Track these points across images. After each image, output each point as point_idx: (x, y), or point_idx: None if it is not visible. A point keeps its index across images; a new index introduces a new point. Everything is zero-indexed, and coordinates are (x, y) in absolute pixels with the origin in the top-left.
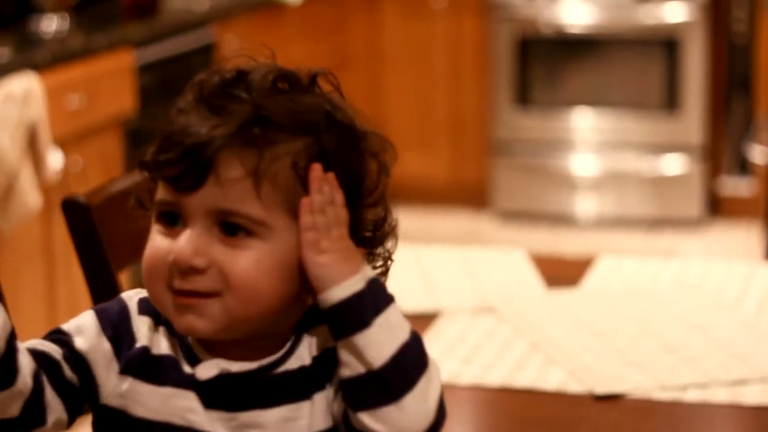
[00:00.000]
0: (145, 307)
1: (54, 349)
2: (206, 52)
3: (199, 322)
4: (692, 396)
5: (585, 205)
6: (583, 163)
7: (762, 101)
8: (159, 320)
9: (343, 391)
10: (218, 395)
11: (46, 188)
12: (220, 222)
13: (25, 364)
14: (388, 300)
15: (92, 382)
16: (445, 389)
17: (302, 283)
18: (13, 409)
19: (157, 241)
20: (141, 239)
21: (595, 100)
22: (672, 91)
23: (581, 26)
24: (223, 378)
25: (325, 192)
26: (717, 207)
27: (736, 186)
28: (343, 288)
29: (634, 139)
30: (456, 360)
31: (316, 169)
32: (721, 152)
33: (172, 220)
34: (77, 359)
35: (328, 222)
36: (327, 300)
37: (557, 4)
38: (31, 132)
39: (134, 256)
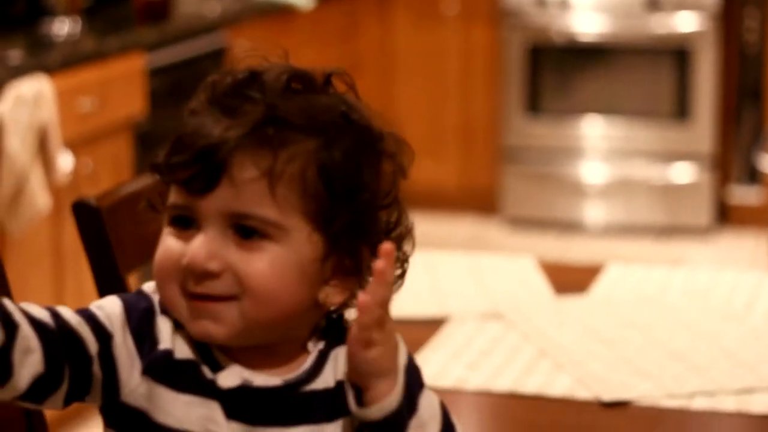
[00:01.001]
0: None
1: (87, 336)
2: (217, 57)
3: (215, 327)
4: (699, 404)
5: (594, 213)
6: (592, 170)
7: None
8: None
9: None
10: (240, 407)
11: (55, 190)
12: (234, 225)
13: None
14: (420, 387)
15: (114, 377)
16: (452, 395)
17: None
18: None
19: (170, 243)
20: (151, 242)
21: (605, 109)
22: (682, 99)
23: (592, 35)
24: (246, 390)
25: (388, 283)
26: (726, 215)
27: (745, 195)
28: (382, 408)
29: (643, 147)
30: (463, 365)
31: (381, 262)
32: (731, 161)
33: (185, 224)
34: (105, 352)
35: (383, 316)
36: (365, 417)
37: (569, 12)
38: (41, 134)
39: (143, 259)
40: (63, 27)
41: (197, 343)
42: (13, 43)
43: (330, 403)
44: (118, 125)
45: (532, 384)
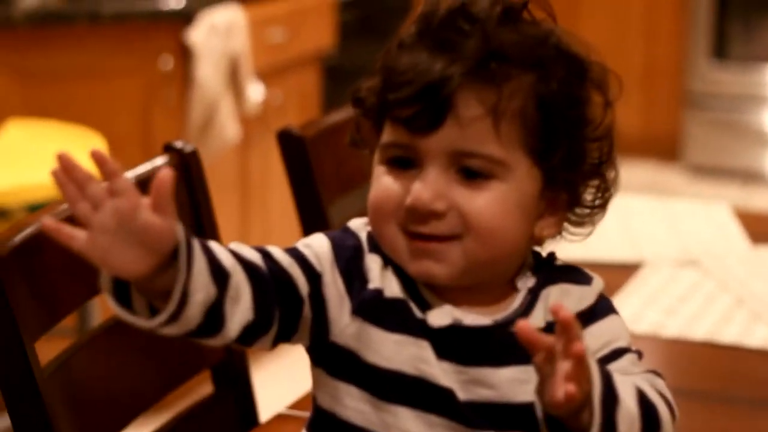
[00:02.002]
0: (374, 244)
1: (298, 277)
2: None
3: (438, 267)
4: None
5: None
6: None
7: None
8: (387, 259)
9: None
10: (450, 346)
11: (245, 120)
12: (457, 163)
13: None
14: (616, 404)
15: (324, 317)
16: (648, 341)
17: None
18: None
19: (387, 183)
20: (350, 175)
21: None
22: None
23: None
24: (456, 329)
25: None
26: None
27: None
28: None
29: None
30: (660, 311)
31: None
32: None
33: (404, 164)
34: (315, 292)
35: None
36: None
37: None
38: (233, 64)
39: (342, 191)
40: None
41: (406, 282)
42: None
43: None
44: (307, 57)
45: (730, 333)
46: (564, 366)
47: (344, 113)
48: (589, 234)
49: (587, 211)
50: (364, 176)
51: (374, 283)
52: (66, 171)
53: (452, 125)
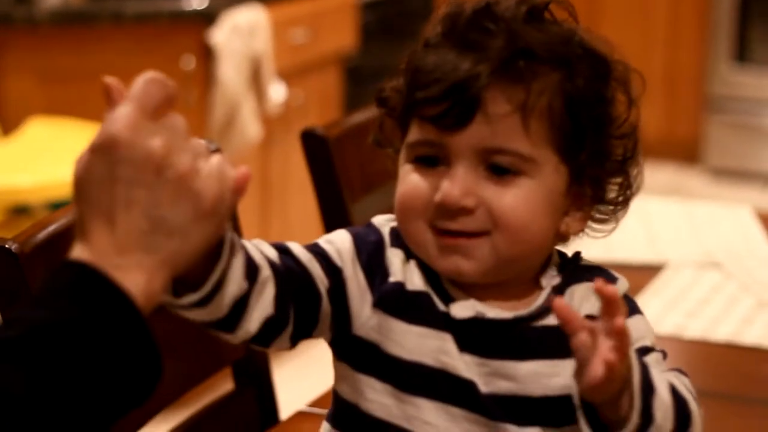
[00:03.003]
0: (396, 238)
1: (317, 273)
2: None
3: (466, 263)
4: None
5: None
6: None
7: None
8: (410, 253)
9: None
10: (473, 338)
11: (266, 120)
12: (486, 160)
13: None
14: (652, 393)
15: (346, 311)
16: (670, 342)
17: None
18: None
19: (415, 181)
20: (372, 175)
21: None
22: None
23: None
24: (479, 322)
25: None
26: None
27: None
28: None
29: None
30: (682, 313)
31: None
32: None
33: (431, 162)
34: (336, 287)
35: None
36: None
37: None
38: (255, 64)
39: (365, 191)
40: None
41: (429, 275)
42: None
43: (566, 339)
44: (328, 58)
45: (752, 335)
46: (606, 343)
47: (367, 113)
48: (612, 230)
49: (611, 207)
50: (386, 176)
51: (396, 276)
52: None
53: (481, 122)
